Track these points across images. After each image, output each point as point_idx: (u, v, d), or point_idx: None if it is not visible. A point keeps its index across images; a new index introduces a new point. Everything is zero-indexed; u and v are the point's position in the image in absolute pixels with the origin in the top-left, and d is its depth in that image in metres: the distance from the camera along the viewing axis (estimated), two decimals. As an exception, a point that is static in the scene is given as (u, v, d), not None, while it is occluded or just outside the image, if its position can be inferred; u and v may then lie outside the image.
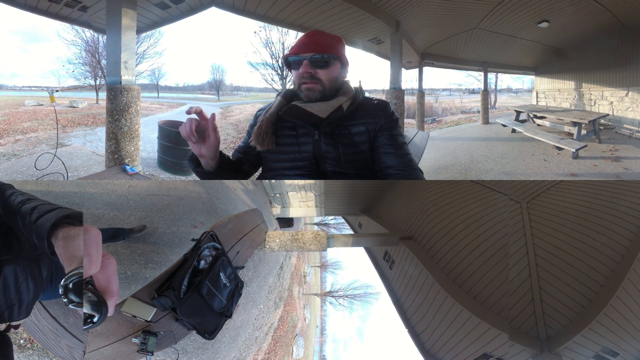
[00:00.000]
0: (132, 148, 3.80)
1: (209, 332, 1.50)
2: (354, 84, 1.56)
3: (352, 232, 2.56)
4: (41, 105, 7.27)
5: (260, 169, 1.62)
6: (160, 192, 2.19)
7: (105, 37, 6.27)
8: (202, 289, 1.44)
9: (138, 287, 1.66)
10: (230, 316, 1.57)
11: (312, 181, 1.54)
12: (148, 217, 2.01)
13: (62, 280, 0.79)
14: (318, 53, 1.45)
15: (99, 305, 0.80)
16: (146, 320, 1.38)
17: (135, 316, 1.36)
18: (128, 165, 3.46)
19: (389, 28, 5.52)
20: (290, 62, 1.49)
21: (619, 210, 1.80)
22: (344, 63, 1.52)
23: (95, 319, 0.79)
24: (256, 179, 1.65)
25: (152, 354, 1.37)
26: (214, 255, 1.55)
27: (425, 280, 2.04)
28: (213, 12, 4.89)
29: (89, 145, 6.03)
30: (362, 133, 1.45)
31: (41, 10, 4.53)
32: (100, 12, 4.61)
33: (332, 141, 1.42)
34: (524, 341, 1.73)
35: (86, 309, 0.79)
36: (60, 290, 0.79)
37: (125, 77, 3.74)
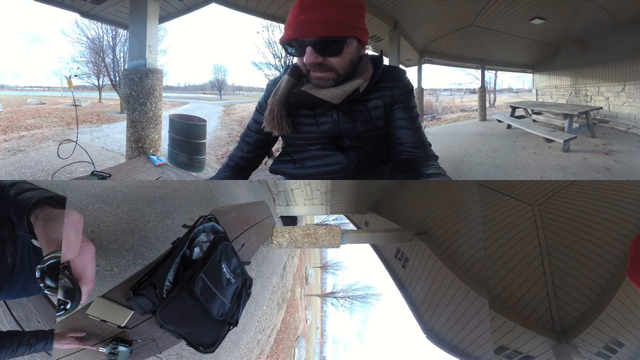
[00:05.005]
0: (156, 136, 3.55)
1: (206, 344, 1.10)
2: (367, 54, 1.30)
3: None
4: (44, 104, 6.95)
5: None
6: (151, 185, 1.92)
7: (109, 35, 6.03)
8: (194, 285, 1.04)
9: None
10: (236, 324, 1.18)
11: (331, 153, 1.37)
12: (138, 210, 1.73)
13: (39, 263, 0.75)
14: (324, 36, 1.09)
15: (73, 291, 0.75)
16: (119, 326, 1.05)
17: (104, 321, 1.04)
18: (154, 155, 3.17)
19: (388, 26, 5.31)
20: (286, 46, 1.17)
21: (621, 211, 1.80)
22: (362, 39, 1.20)
23: (68, 306, 0.76)
24: (277, 156, 1.44)
25: (125, 369, 1.03)
26: (212, 240, 1.13)
27: (446, 276, 1.87)
28: (213, 8, 4.65)
29: (97, 141, 5.77)
30: (379, 107, 1.25)
31: (67, 5, 4.34)
32: (118, 4, 4.36)
33: (350, 119, 1.25)
34: (544, 333, 1.73)
35: (60, 295, 0.75)
36: (37, 274, 0.75)
37: (149, 60, 3.61)
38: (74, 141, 3.29)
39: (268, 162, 1.60)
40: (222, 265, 1.12)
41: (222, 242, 1.16)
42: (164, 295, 1.02)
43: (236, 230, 1.39)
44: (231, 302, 1.15)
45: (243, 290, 1.21)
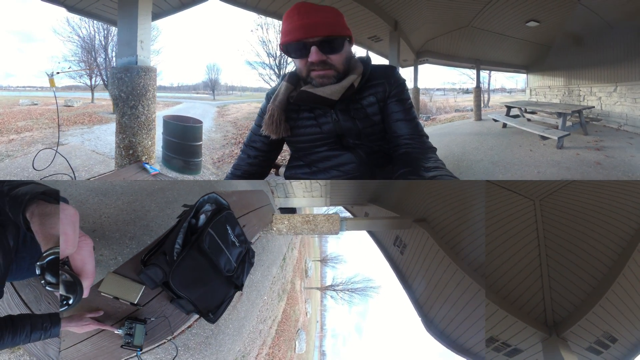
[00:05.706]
0: (149, 142, 3.19)
1: (213, 309, 1.15)
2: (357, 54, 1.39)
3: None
4: (35, 104, 6.91)
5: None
6: (147, 178, 1.95)
7: (101, 35, 5.94)
8: (203, 242, 1.10)
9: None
10: (241, 287, 1.23)
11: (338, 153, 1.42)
12: (138, 201, 1.75)
13: (39, 260, 0.76)
14: (328, 35, 1.22)
15: (74, 286, 0.77)
16: (132, 303, 1.07)
17: (117, 298, 1.06)
18: (147, 163, 2.95)
19: (388, 26, 5.38)
20: (289, 49, 1.26)
21: (622, 209, 1.85)
22: (352, 39, 1.31)
23: (70, 301, 0.77)
24: (288, 162, 1.48)
25: (141, 350, 1.03)
26: (215, 209, 1.20)
27: (442, 261, 1.93)
28: (208, 6, 4.62)
29: (87, 144, 5.70)
30: (372, 104, 1.34)
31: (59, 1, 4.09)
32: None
33: (349, 117, 1.33)
34: (535, 325, 1.75)
35: (61, 291, 0.77)
36: (37, 271, 0.76)
37: (141, 57, 3.22)
38: (53, 149, 2.97)
39: (280, 170, 1.62)
40: (227, 227, 1.19)
41: (226, 209, 1.24)
42: (174, 258, 1.06)
43: (237, 212, 1.42)
44: (236, 262, 1.21)
45: (247, 257, 1.27)
